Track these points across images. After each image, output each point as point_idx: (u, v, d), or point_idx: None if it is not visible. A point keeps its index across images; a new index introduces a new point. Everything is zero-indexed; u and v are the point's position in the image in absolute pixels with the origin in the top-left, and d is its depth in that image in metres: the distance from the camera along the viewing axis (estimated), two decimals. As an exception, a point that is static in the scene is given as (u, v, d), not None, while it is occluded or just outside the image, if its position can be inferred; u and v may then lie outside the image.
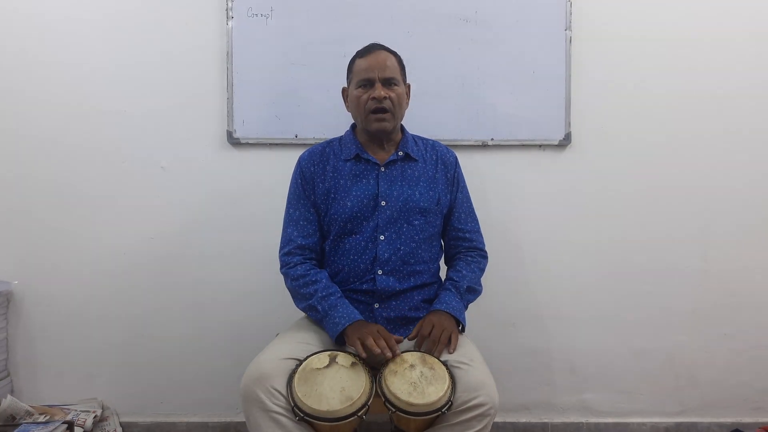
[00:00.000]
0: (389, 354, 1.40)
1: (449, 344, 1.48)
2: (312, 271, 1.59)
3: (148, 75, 2.07)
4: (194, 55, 2.06)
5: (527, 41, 2.05)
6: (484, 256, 1.73)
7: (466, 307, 1.63)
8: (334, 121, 2.02)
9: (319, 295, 1.54)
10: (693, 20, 2.07)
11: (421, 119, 1.95)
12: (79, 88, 2.07)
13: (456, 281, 1.62)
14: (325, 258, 1.66)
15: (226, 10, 2.03)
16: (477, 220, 1.75)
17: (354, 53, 1.66)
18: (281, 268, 1.64)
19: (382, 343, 1.42)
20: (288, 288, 1.64)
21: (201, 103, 2.07)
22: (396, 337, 1.48)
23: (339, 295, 1.56)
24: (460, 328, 1.59)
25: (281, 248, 1.65)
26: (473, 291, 1.65)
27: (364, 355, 1.42)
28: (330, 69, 2.03)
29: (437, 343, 1.47)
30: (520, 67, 2.06)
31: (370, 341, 1.41)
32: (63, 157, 2.08)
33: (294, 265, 1.61)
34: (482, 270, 1.71)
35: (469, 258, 1.70)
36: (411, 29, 2.04)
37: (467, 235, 1.71)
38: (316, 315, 1.56)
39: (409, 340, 1.53)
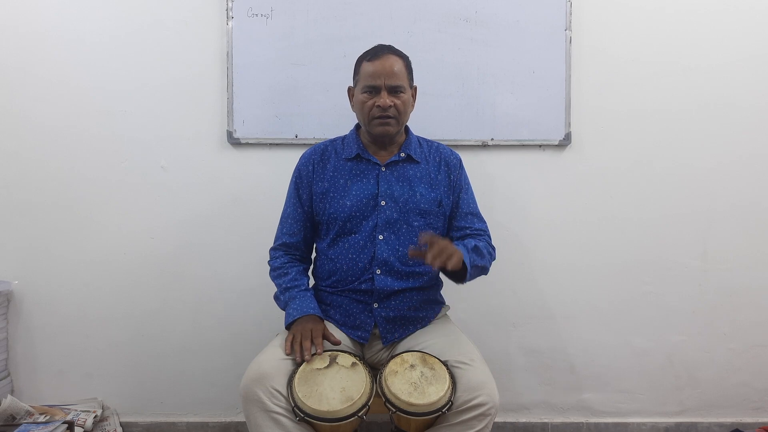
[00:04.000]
0: (298, 358, 1.41)
1: (450, 260, 1.39)
2: (287, 264, 1.65)
3: (148, 75, 2.06)
4: (194, 55, 2.06)
5: (527, 41, 2.05)
6: (494, 248, 1.69)
7: (471, 267, 1.51)
8: (334, 120, 2.03)
9: (284, 286, 1.61)
10: (693, 20, 2.07)
11: (421, 119, 1.95)
12: (79, 88, 2.06)
13: (463, 242, 1.56)
14: (324, 257, 1.66)
15: (226, 10, 2.03)
16: (484, 221, 1.73)
17: (355, 53, 1.65)
18: (268, 261, 1.70)
19: (307, 344, 1.44)
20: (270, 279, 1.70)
21: (201, 103, 2.07)
22: (335, 339, 1.50)
23: (303, 288, 1.61)
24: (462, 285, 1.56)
25: (273, 243, 1.71)
26: (479, 253, 1.57)
27: (288, 351, 1.43)
28: (330, 69, 2.03)
29: (441, 250, 1.38)
30: (520, 67, 2.06)
31: (287, 344, 1.44)
32: (63, 157, 2.08)
33: (275, 258, 1.68)
34: (489, 252, 1.64)
35: (479, 238, 1.65)
36: (411, 29, 2.04)
37: (475, 232, 1.68)
38: (280, 304, 1.63)
39: (410, 254, 1.45)
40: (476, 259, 1.55)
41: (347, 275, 1.61)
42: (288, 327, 1.54)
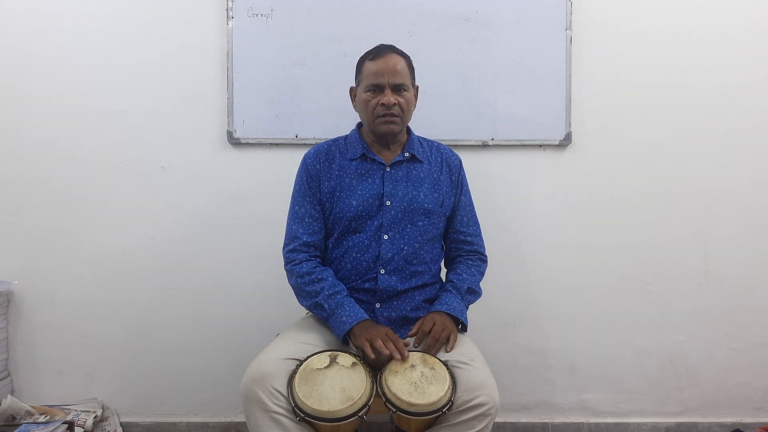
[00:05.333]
0: (398, 356, 1.41)
1: (447, 343, 1.50)
2: (318, 269, 1.59)
3: (148, 75, 2.06)
4: (194, 55, 2.06)
5: (528, 41, 2.05)
6: (484, 260, 1.74)
7: (467, 308, 1.63)
8: (334, 120, 2.03)
9: (326, 293, 1.54)
10: (693, 20, 2.07)
11: (421, 119, 1.95)
12: (79, 88, 2.06)
13: (456, 283, 1.63)
14: (328, 255, 1.66)
15: (227, 10, 2.03)
16: (478, 224, 1.75)
17: (355, 52, 1.66)
18: (285, 265, 1.63)
19: (391, 345, 1.43)
20: (292, 285, 1.63)
21: (201, 103, 2.07)
22: (404, 340, 1.48)
23: (345, 293, 1.56)
24: (460, 327, 1.60)
25: (285, 245, 1.65)
26: (473, 292, 1.66)
27: (372, 356, 1.42)
28: (330, 69, 2.03)
29: (436, 341, 1.49)
30: (520, 67, 2.06)
31: (379, 343, 1.42)
32: (63, 157, 2.08)
33: (299, 262, 1.60)
34: (482, 274, 1.71)
35: (469, 261, 1.70)
36: (411, 29, 2.04)
37: (469, 238, 1.71)
38: (322, 313, 1.56)
39: (409, 336, 1.53)
40: (471, 299, 1.65)
41: (351, 274, 1.61)
42: (347, 334, 1.49)
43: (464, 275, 1.65)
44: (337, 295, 1.54)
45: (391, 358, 1.41)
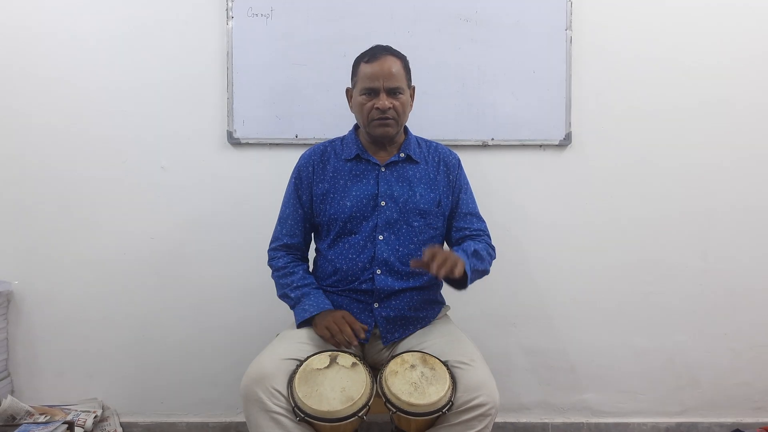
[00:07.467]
0: (355, 341, 1.48)
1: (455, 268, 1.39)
2: (291, 264, 1.65)
3: (148, 75, 2.06)
4: (194, 55, 2.06)
5: (528, 41, 2.05)
6: (493, 248, 1.69)
7: (472, 272, 1.50)
8: (334, 120, 2.03)
9: (295, 284, 1.61)
10: (693, 20, 2.07)
11: (421, 119, 1.95)
12: (79, 88, 2.06)
13: (462, 247, 1.57)
14: (324, 257, 1.66)
15: (227, 10, 2.03)
16: (483, 220, 1.73)
17: (355, 53, 1.65)
18: (268, 262, 1.70)
19: (347, 330, 1.48)
20: (273, 279, 1.69)
21: (201, 103, 2.07)
22: (362, 325, 1.53)
23: (314, 286, 1.62)
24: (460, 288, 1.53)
25: (270, 244, 1.71)
26: (479, 257, 1.57)
27: (333, 341, 1.48)
28: (330, 69, 2.03)
29: (444, 260, 1.37)
30: (520, 67, 2.05)
31: (335, 328, 1.48)
32: (63, 157, 2.08)
33: (277, 258, 1.67)
34: (489, 254, 1.65)
35: (478, 239, 1.66)
36: (411, 29, 2.04)
37: (474, 232, 1.68)
38: (289, 302, 1.62)
39: (413, 266, 1.43)
40: (476, 264, 1.56)
41: (347, 275, 1.60)
42: (304, 323, 1.55)
43: (471, 243, 1.59)
44: (304, 287, 1.60)
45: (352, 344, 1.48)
